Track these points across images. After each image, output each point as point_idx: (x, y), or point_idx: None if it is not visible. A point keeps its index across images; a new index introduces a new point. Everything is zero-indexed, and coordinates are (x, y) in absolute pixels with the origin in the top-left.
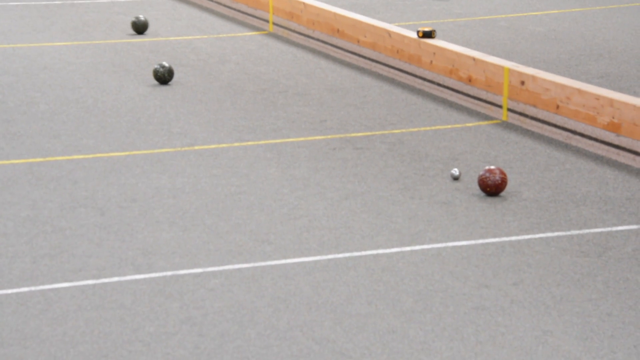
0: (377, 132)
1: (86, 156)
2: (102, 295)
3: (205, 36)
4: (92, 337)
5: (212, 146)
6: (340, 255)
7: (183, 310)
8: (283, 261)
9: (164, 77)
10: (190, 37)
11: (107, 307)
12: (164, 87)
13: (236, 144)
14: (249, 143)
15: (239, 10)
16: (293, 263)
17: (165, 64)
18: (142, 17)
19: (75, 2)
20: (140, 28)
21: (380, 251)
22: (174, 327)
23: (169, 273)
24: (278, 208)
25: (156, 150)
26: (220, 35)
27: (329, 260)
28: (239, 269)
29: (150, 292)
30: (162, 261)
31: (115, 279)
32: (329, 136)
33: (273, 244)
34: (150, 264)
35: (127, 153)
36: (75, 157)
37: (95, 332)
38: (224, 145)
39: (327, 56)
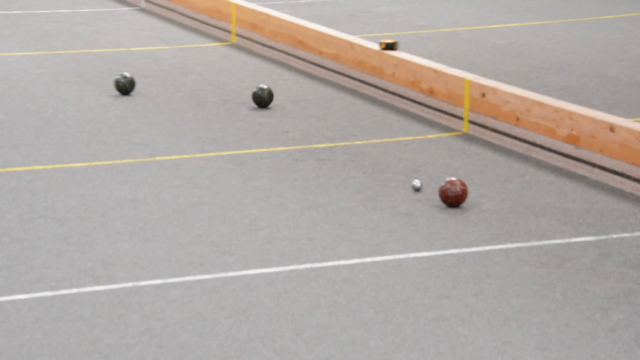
0: (339, 144)
1: (46, 167)
2: (61, 306)
3: (168, 47)
4: (50, 350)
5: (174, 157)
6: (302, 266)
7: (143, 321)
8: (244, 272)
9: (125, 87)
10: (152, 48)
11: (65, 319)
12: (125, 98)
13: (198, 155)
14: (211, 154)
15: (201, 21)
16: (254, 274)
17: (127, 74)
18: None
19: (36, 11)
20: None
21: (342, 262)
22: (134, 338)
23: (129, 284)
24: (240, 219)
25: (117, 161)
26: (183, 46)
27: (290, 271)
28: (200, 280)
29: (110, 304)
30: (122, 272)
31: (74, 290)
32: (291, 147)
33: (234, 255)
34: (110, 275)
35: (87, 164)
36: (34, 167)
37: (54, 344)
38: (186, 156)
39: (289, 67)
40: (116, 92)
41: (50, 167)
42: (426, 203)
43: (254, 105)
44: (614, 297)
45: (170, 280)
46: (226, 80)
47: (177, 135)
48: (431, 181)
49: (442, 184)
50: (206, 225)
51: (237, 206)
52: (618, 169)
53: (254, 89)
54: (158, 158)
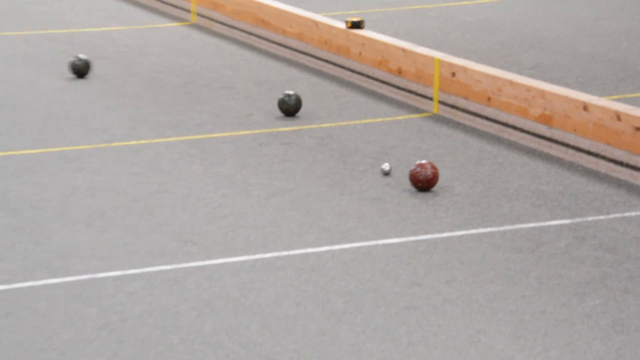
0: (305, 127)
1: None
2: (14, 301)
3: (125, 27)
4: (2, 346)
5: (132, 142)
6: (268, 255)
7: (101, 315)
8: (207, 262)
9: (80, 70)
10: (108, 28)
11: (19, 314)
12: (80, 81)
13: (158, 140)
14: (171, 139)
15: (160, 0)
16: (218, 264)
17: (82, 56)
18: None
19: None
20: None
21: (309, 250)
22: (92, 333)
23: (86, 277)
24: (202, 207)
25: (72, 147)
26: (141, 27)
27: (256, 260)
28: (161, 271)
29: (66, 297)
30: (79, 264)
31: (29, 283)
32: (255, 131)
33: (197, 245)
34: (66, 267)
35: (41, 150)
36: None
37: (6, 341)
38: (145, 141)
39: (252, 47)
40: (71, 75)
41: (1, 154)
42: (396, 187)
43: (216, 87)
44: (590, 282)
45: (130, 271)
46: (186, 61)
47: (135, 119)
48: (401, 164)
49: (412, 167)
50: (167, 213)
51: (199, 193)
52: (592, 149)
53: (280, 96)
54: (116, 144)
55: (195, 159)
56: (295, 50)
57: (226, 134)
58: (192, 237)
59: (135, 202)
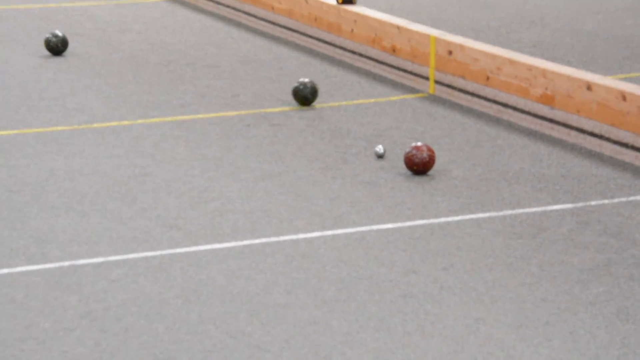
0: (294, 107)
1: None
2: None
3: (103, 2)
4: None
5: (113, 123)
6: (257, 241)
7: (82, 304)
8: (193, 248)
9: (57, 47)
10: (86, 4)
11: None
12: (57, 59)
13: (140, 121)
14: (154, 120)
15: None
16: (204, 250)
17: (59, 33)
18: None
19: None
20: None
21: (300, 236)
22: (72, 322)
23: (66, 263)
24: (187, 190)
25: (50, 129)
26: (120, 2)
27: (244, 246)
28: (145, 258)
29: (45, 285)
30: (58, 250)
31: (5, 270)
32: (243, 112)
33: (182, 230)
34: (45, 253)
35: (17, 131)
36: None
37: None
38: (126, 122)
39: (238, 24)
40: (47, 53)
41: None
42: (390, 171)
43: (201, 65)
44: (593, 269)
45: (112, 258)
46: (169, 39)
47: (116, 99)
48: (395, 147)
49: (408, 149)
50: (150, 198)
51: (184, 177)
52: (596, 130)
53: (295, 84)
54: (95, 125)
55: (179, 141)
56: (284, 27)
57: (212, 115)
58: (177, 222)
59: (116, 185)
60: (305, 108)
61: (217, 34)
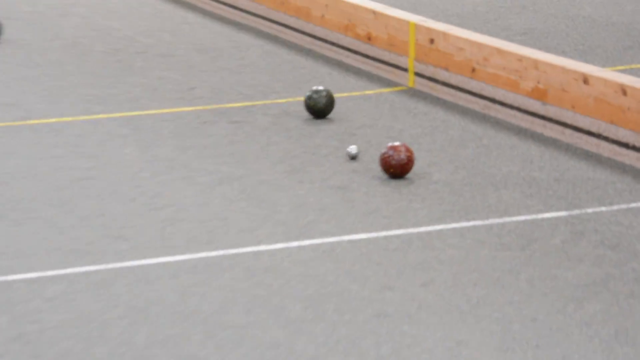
0: (257, 102)
1: None
2: None
3: None
4: None
5: (52, 120)
6: (213, 254)
7: (14, 325)
8: (142, 262)
9: None
10: None
11: None
12: None
13: (82, 118)
14: (99, 116)
15: None
16: (154, 264)
17: None
18: None
19: None
20: None
21: (262, 247)
22: (3, 346)
23: None
24: (136, 196)
25: None
26: None
27: (199, 259)
28: (86, 273)
29: None
30: None
31: None
32: (199, 107)
33: (129, 241)
34: None
35: None
36: None
37: None
38: (68, 118)
39: (195, 8)
40: None
41: None
42: (364, 174)
43: (152, 54)
44: (589, 285)
45: (49, 273)
46: (117, 24)
47: (56, 93)
48: (370, 147)
49: (384, 150)
50: (94, 204)
51: (132, 180)
52: (593, 128)
53: (308, 93)
54: (32, 121)
55: (127, 140)
56: (247, 12)
57: (164, 111)
58: (124, 233)
59: (55, 190)
60: (268, 102)
61: (170, 18)
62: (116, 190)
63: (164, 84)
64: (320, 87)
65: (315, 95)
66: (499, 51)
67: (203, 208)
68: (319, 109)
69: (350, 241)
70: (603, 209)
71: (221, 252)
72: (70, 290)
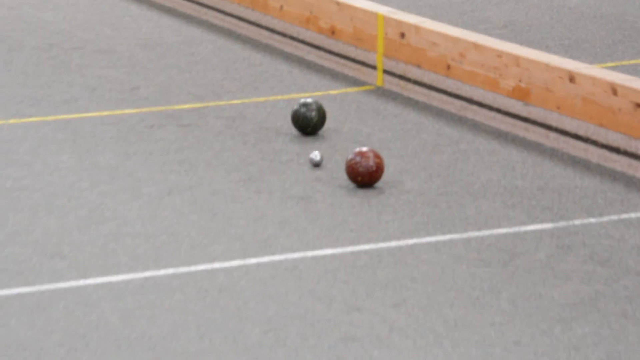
0: (209, 103)
1: None
2: None
3: None
4: None
5: None
6: (162, 272)
7: None
8: (81, 282)
9: None
10: None
11: None
12: None
13: (13, 121)
14: (32, 119)
15: None
16: (95, 284)
17: None
18: None
19: None
20: None
21: (216, 265)
22: None
23: None
24: (74, 209)
25: None
26: None
27: (146, 279)
28: (19, 295)
29: None
30: None
31: None
32: (144, 109)
33: (67, 259)
34: None
35: None
36: None
37: None
38: None
39: None
40: None
41: None
42: (329, 183)
43: (91, 50)
44: (578, 304)
45: None
46: (50, 17)
47: None
48: (335, 153)
49: (350, 156)
50: (27, 218)
51: (69, 191)
52: (581, 132)
53: (295, 107)
54: None
55: (64, 146)
56: (197, 3)
57: (105, 113)
58: (61, 250)
59: None
60: (221, 104)
61: (111, 10)
62: (51, 203)
63: (104, 84)
64: (309, 100)
65: (304, 110)
66: (477, 46)
67: (149, 222)
68: (314, 124)
69: (314, 257)
70: (592, 220)
71: (170, 271)
72: (0, 314)
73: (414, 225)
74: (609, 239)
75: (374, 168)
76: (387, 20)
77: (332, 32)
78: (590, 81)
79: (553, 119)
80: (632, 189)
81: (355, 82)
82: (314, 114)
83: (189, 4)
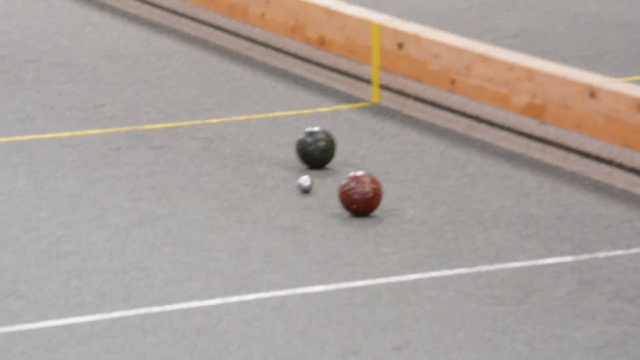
0: (184, 123)
1: None
2: None
3: None
4: None
5: None
6: (132, 312)
7: None
8: (40, 324)
9: None
10: None
11: None
12: None
13: None
14: None
15: None
16: (57, 326)
17: None
18: None
19: None
20: None
21: (194, 304)
22: None
23: None
24: (31, 242)
25: None
26: None
27: (114, 320)
28: None
29: None
30: None
31: None
32: (110, 129)
33: (24, 298)
34: None
35: None
36: None
37: None
38: None
39: (102, 6)
40: None
41: None
42: (320, 211)
43: (48, 64)
44: (603, 347)
45: None
46: (1, 25)
47: None
48: (327, 177)
49: (344, 181)
50: None
51: (26, 221)
52: (604, 153)
53: (301, 136)
54: None
55: (18, 171)
56: (168, 10)
57: (65, 134)
58: (17, 288)
59: None
60: (197, 123)
61: (70, 18)
62: (6, 234)
63: (63, 101)
64: (316, 128)
65: (310, 139)
66: (484, 58)
67: (117, 256)
68: (320, 155)
69: (304, 295)
70: (618, 252)
71: (142, 311)
72: None
73: (416, 258)
74: (638, 273)
75: (371, 194)
76: (383, 30)
77: (322, 43)
78: (614, 97)
79: (572, 139)
80: None
81: (348, 98)
82: (327, 154)
83: (158, 11)
